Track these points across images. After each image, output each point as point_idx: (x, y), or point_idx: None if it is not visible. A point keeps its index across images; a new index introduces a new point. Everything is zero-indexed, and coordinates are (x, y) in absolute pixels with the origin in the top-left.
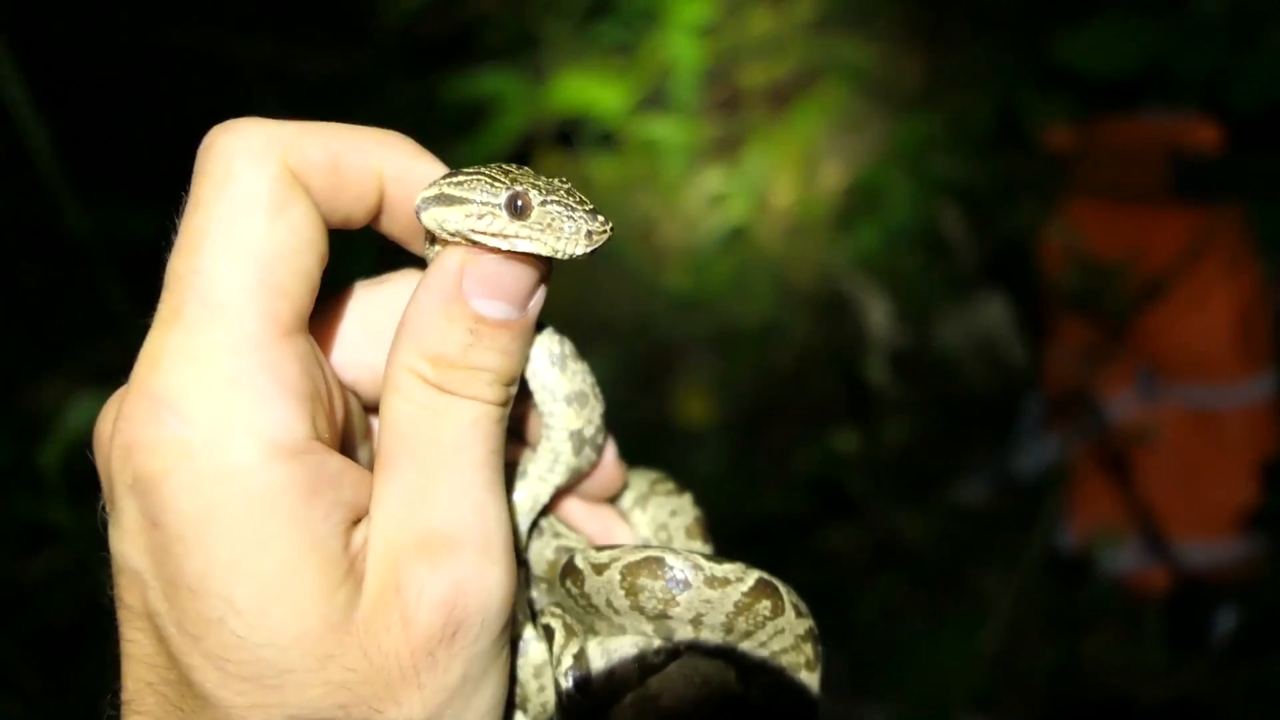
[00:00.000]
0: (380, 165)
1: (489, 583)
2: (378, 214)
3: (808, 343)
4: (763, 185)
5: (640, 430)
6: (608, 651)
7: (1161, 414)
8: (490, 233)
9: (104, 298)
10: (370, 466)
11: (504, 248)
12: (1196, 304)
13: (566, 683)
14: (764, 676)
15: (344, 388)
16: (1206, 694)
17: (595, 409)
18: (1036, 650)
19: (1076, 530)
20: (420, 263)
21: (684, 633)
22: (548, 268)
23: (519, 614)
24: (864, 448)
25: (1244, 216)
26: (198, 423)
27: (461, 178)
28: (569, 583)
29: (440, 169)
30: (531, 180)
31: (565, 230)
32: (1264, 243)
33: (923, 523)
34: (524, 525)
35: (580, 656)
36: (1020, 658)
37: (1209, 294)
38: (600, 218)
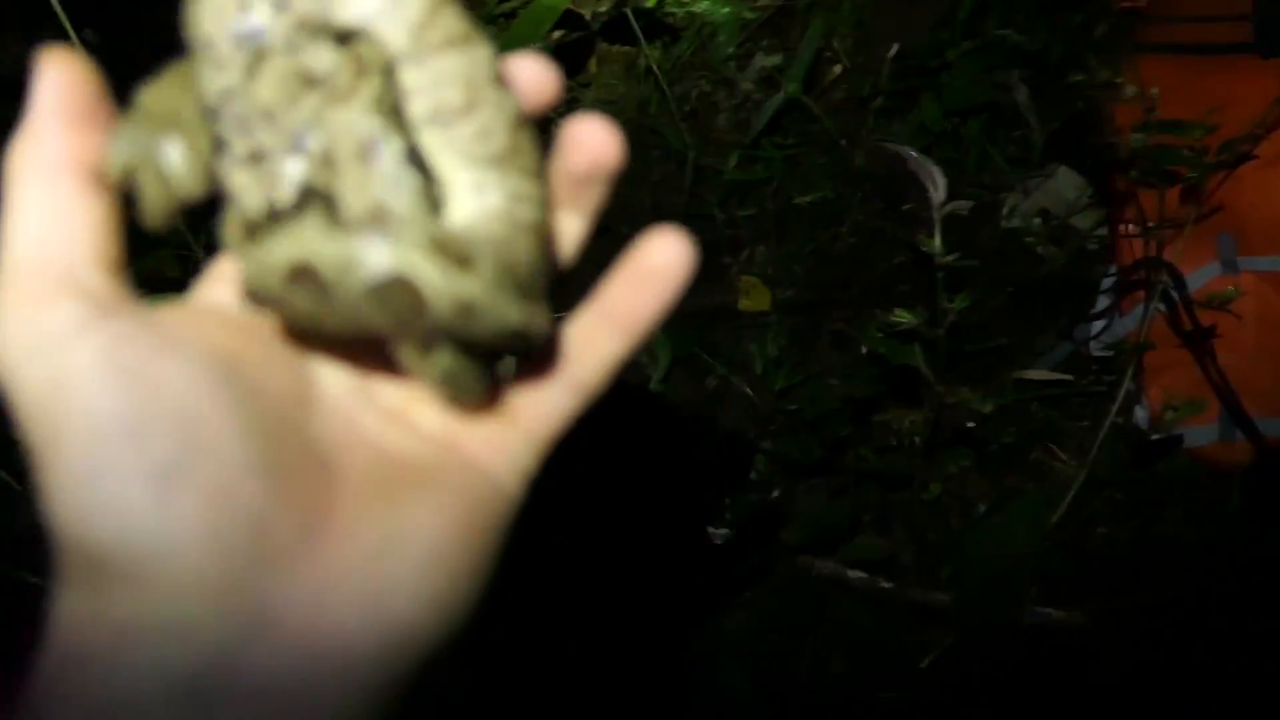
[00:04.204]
0: None
1: None
2: None
3: (867, 221)
4: (816, 58)
5: (702, 318)
6: None
7: (1243, 283)
8: None
9: None
10: None
11: None
12: None
13: None
14: None
15: None
16: None
17: None
18: (1108, 531)
19: (1153, 406)
20: None
21: None
22: None
23: None
24: (925, 320)
25: None
26: None
27: None
28: None
29: None
30: None
31: None
32: None
33: (990, 400)
34: None
35: None
36: (1091, 539)
37: None
38: None
